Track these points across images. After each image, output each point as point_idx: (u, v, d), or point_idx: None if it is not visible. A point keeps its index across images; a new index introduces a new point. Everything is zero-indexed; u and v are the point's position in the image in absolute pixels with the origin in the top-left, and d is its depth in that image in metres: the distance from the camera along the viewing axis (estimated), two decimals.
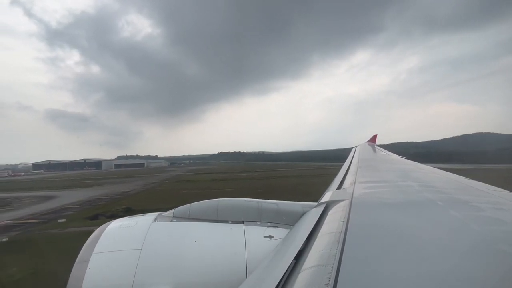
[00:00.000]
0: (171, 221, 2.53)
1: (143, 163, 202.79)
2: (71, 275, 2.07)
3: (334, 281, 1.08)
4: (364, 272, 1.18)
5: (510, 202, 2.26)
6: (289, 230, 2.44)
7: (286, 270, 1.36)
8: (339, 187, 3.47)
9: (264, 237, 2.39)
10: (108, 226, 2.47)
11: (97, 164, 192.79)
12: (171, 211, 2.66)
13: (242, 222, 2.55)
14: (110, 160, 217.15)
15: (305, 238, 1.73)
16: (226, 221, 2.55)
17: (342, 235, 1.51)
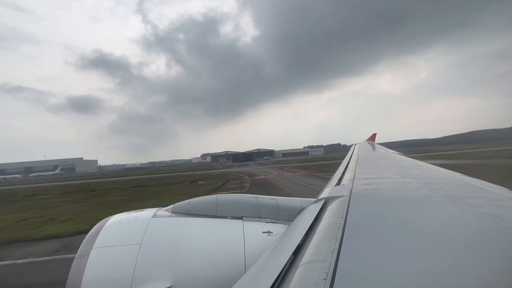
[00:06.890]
0: (170, 216, 2.52)
1: (307, 151, 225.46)
2: (71, 269, 2.07)
3: (332, 276, 1.08)
4: (362, 267, 1.18)
5: (507, 198, 2.23)
6: (287, 225, 2.41)
7: (285, 265, 1.37)
8: (338, 183, 3.43)
9: (263, 232, 2.37)
10: (108, 221, 2.45)
11: (269, 153, 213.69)
12: (170, 206, 2.65)
13: (241, 218, 2.53)
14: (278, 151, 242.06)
15: (303, 234, 1.73)
16: (225, 217, 2.53)
17: (340, 231, 1.52)
